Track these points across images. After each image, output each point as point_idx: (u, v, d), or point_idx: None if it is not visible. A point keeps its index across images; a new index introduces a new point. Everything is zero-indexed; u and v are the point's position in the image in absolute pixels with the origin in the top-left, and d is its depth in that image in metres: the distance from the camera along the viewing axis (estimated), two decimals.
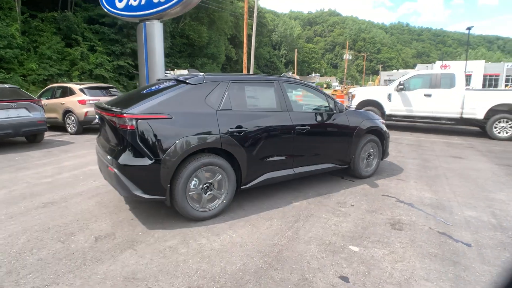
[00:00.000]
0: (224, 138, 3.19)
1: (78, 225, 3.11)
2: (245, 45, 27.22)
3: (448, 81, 8.80)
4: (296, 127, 3.75)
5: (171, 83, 3.44)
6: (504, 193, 4.15)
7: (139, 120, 2.85)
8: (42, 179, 4.62)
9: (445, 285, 2.25)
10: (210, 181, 3.22)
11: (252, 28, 27.50)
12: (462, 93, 8.56)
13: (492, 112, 8.25)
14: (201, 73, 3.50)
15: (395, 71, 75.55)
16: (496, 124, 8.26)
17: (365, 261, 2.53)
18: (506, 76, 49.48)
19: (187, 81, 3.27)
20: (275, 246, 2.75)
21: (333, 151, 4.27)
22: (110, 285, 2.19)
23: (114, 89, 10.06)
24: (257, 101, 3.72)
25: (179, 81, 3.35)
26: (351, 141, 4.39)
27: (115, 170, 2.90)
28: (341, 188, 4.31)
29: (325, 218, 3.33)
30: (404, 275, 2.35)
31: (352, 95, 10.42)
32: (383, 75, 67.31)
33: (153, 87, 3.60)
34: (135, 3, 11.66)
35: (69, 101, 9.03)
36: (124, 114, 2.84)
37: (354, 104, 10.06)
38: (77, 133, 8.96)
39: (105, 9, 12.58)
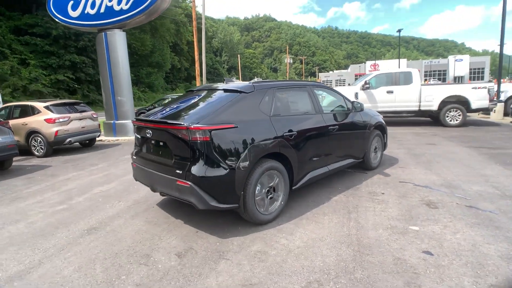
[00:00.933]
0: (281, 143, 3.36)
1: (145, 246, 3.00)
2: (196, 52, 27.05)
3: (406, 78, 9.98)
4: (329, 127, 4.08)
5: (218, 93, 3.51)
6: (489, 169, 4.98)
7: (212, 131, 2.89)
8: (55, 207, 4.23)
9: (503, 244, 2.74)
10: (270, 184, 3.37)
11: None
12: (419, 88, 9.80)
13: (444, 103, 9.59)
14: (242, 82, 3.64)
15: (331, 72, 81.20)
16: (448, 114, 9.62)
17: (432, 237, 2.93)
18: (424, 72, 56.47)
19: (240, 90, 3.37)
20: (350, 236, 3.01)
21: (354, 147, 4.69)
22: None
23: (82, 105, 9.35)
24: (297, 105, 3.96)
25: (230, 90, 3.43)
26: (365, 137, 4.87)
27: (190, 183, 2.89)
28: (361, 180, 4.74)
29: (371, 207, 3.69)
30: (469, 243, 2.80)
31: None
32: (322, 76, 71.90)
33: (194, 98, 3.65)
34: (92, 12, 11.03)
35: (33, 121, 8.17)
36: (199, 126, 2.86)
37: None
38: (46, 155, 8.14)
39: (55, 18, 11.66)
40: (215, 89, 3.67)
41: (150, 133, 3.33)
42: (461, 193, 3.99)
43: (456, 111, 9.52)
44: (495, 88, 10.57)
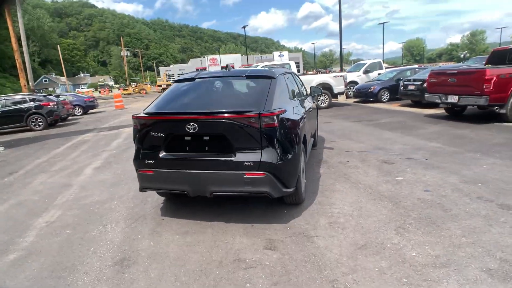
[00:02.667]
0: (304, 123, 3.68)
1: (233, 255, 2.70)
2: (13, 42, 21.46)
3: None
4: (310, 109, 4.63)
5: (248, 80, 3.54)
6: (386, 134, 6.84)
7: (280, 116, 2.90)
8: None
9: (454, 176, 4.11)
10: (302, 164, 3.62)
11: None
12: None
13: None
14: (256, 68, 3.70)
15: (172, 66, 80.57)
16: (319, 98, 11.96)
17: (417, 180, 4.01)
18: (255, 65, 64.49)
19: (270, 76, 3.41)
20: (372, 193, 3.71)
21: (313, 127, 5.43)
22: None
23: None
24: (294, 89, 4.26)
25: (260, 77, 3.44)
26: (316, 117, 5.71)
27: (266, 173, 2.81)
28: (319, 155, 5.56)
29: (355, 172, 4.52)
30: (439, 178, 4.03)
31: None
32: (163, 70, 70.33)
33: (213, 87, 3.51)
34: None
35: None
36: (271, 112, 2.81)
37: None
38: None
39: None
40: (235, 76, 3.60)
41: (195, 127, 2.90)
42: (395, 152, 5.41)
43: (324, 95, 11.95)
44: (348, 77, 13.91)
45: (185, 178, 3.04)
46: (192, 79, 3.62)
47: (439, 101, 7.87)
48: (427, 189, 3.71)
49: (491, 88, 6.55)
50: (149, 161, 3.13)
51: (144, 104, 17.29)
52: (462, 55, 49.57)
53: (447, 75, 7.61)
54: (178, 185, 3.12)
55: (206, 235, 3.03)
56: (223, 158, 2.93)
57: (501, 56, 8.52)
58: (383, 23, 44.00)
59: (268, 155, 2.85)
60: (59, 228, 3.42)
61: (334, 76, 11.95)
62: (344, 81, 11.96)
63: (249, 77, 3.47)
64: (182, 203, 3.78)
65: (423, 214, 3.10)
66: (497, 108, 6.86)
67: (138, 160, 3.18)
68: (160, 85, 49.75)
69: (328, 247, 2.66)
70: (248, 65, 40.70)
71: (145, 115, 3.13)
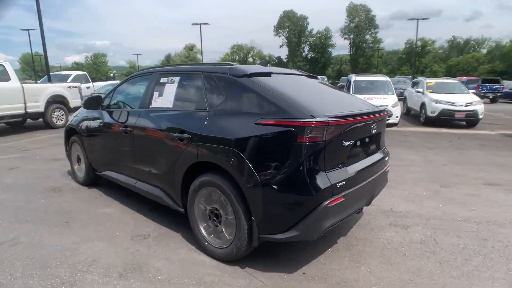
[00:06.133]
0: None
1: None
2: None
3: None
4: None
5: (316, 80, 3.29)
6: None
7: None
8: None
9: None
10: None
11: None
12: (20, 87, 8.05)
13: (48, 103, 8.85)
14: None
15: None
16: (53, 114, 9.05)
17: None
18: None
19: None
20: None
21: None
22: None
23: None
24: None
25: (313, 76, 3.36)
26: None
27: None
28: None
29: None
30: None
31: None
32: None
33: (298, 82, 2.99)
34: None
35: None
36: None
37: None
38: None
39: None
40: (300, 75, 3.26)
41: (374, 128, 2.54)
42: None
43: (59, 111, 9.21)
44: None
45: (364, 192, 2.52)
46: (269, 74, 2.60)
47: None
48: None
49: None
50: (339, 184, 2.15)
51: None
52: (112, 75, 54.97)
53: None
54: (359, 203, 2.57)
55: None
56: (380, 157, 2.78)
57: None
58: None
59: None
60: None
61: (68, 87, 9.50)
62: (80, 93, 9.93)
63: (310, 76, 3.30)
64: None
65: None
66: None
67: (320, 189, 2.00)
68: None
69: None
70: None
71: (340, 119, 2.13)
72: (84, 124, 3.95)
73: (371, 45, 72.55)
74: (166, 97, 2.95)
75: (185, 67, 3.04)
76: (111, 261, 2.50)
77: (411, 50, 68.35)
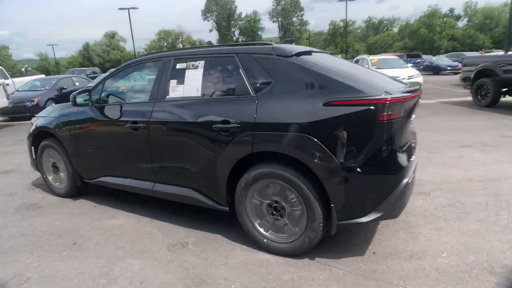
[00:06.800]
0: None
1: None
2: None
3: None
4: None
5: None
6: None
7: None
8: None
9: None
10: None
11: None
12: None
13: None
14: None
15: None
16: None
17: None
18: None
19: None
20: None
21: None
22: None
23: None
24: None
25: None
26: None
27: None
28: None
29: None
30: None
31: None
32: None
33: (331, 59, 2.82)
34: None
35: None
36: None
37: None
38: None
39: None
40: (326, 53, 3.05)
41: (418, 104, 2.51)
42: None
43: None
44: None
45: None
46: (309, 52, 2.40)
47: None
48: None
49: None
50: (410, 159, 2.19)
51: None
52: (24, 69, 47.86)
53: None
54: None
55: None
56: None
57: None
58: None
59: None
60: None
61: None
62: (5, 91, 8.30)
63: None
64: None
65: None
66: None
67: (403, 167, 2.03)
68: None
69: None
70: None
71: (411, 93, 2.10)
72: (66, 124, 3.28)
73: (298, 27, 75.31)
74: (190, 85, 2.57)
75: (210, 50, 2.66)
76: (163, 279, 2.15)
77: (335, 31, 72.94)
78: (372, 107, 1.92)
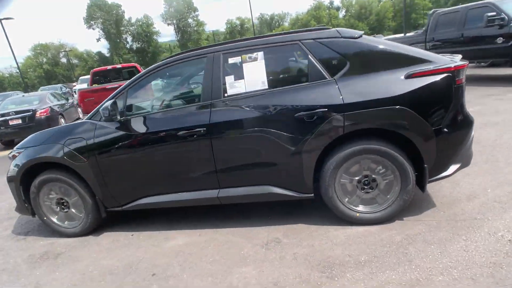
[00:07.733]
0: None
1: None
2: None
3: None
4: None
5: None
6: None
7: None
8: None
9: None
10: None
11: None
12: None
13: None
14: None
15: None
16: None
17: None
18: None
19: None
20: None
21: None
22: None
23: None
24: None
25: None
26: None
27: None
28: None
29: None
30: None
31: None
32: None
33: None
34: None
35: None
36: None
37: None
38: None
39: None
40: None
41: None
42: None
43: None
44: None
45: None
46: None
47: None
48: None
49: None
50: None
51: None
52: None
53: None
54: None
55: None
56: None
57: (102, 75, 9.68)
58: None
59: None
60: None
61: None
62: None
63: None
64: None
65: None
66: None
67: (473, 121, 2.45)
68: None
69: None
70: None
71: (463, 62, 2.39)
72: (84, 149, 2.73)
73: (195, 28, 74.56)
74: (252, 78, 2.50)
75: (269, 39, 2.59)
76: (292, 273, 2.10)
77: (232, 30, 74.88)
78: (450, 74, 2.26)
